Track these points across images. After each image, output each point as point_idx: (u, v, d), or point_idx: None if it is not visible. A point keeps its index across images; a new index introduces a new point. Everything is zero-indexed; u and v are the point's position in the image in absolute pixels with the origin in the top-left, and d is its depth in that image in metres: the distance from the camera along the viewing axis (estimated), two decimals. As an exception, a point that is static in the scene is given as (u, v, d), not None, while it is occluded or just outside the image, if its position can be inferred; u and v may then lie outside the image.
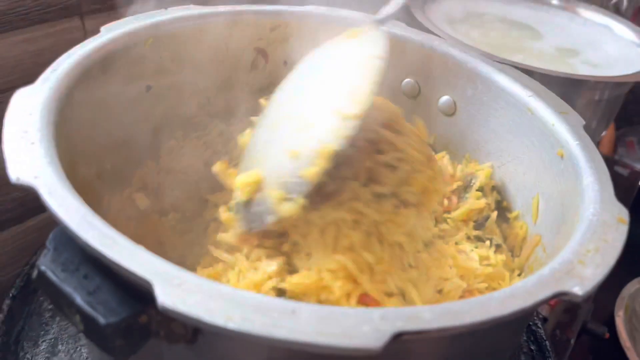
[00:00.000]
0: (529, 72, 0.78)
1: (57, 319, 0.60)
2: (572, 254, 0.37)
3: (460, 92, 0.65)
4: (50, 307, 0.61)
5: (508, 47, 1.01)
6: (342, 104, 0.44)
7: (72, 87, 0.48)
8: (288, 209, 0.44)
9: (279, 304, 0.30)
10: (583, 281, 0.35)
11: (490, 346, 0.42)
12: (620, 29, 1.08)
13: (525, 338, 0.65)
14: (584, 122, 0.53)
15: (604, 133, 0.99)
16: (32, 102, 0.42)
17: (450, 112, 0.66)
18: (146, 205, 0.64)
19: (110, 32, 0.55)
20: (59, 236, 0.37)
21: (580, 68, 0.97)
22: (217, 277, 0.46)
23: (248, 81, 0.70)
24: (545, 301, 0.34)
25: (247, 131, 0.55)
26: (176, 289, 0.30)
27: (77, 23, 0.68)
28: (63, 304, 0.35)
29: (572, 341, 0.79)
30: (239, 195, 0.47)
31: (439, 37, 0.71)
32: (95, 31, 0.53)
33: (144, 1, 0.70)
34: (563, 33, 1.09)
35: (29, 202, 0.72)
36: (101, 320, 0.32)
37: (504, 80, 0.60)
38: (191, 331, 0.35)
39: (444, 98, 0.67)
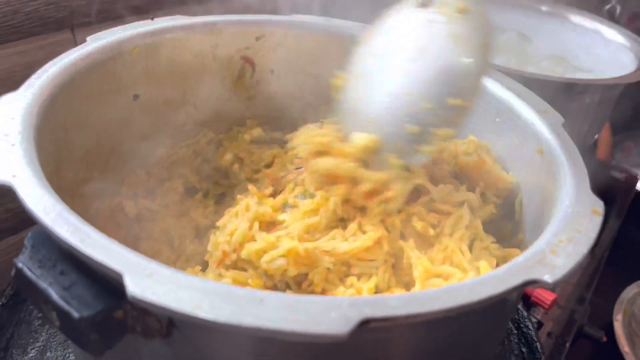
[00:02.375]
0: (520, 77, 0.79)
1: (47, 326, 0.61)
2: (545, 243, 0.38)
3: (444, 96, 0.66)
4: (39, 315, 0.61)
5: (499, 53, 1.02)
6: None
7: (56, 94, 0.49)
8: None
9: (248, 292, 0.31)
10: (554, 269, 0.35)
11: (469, 340, 0.42)
12: (611, 33, 1.09)
13: (516, 340, 0.65)
14: (563, 120, 0.54)
15: (596, 136, 0.99)
16: (14, 107, 0.44)
17: (435, 115, 0.67)
18: (135, 213, 0.64)
19: (96, 41, 0.56)
20: (37, 234, 0.37)
21: (571, 72, 0.98)
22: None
23: (236, 89, 0.71)
24: (516, 289, 0.34)
25: (342, 75, 0.55)
26: (146, 279, 0.31)
27: (68, 35, 0.69)
28: (40, 300, 0.35)
29: (568, 345, 0.78)
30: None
31: None
32: None
33: (133, 13, 0.72)
34: (554, 39, 1.11)
35: (22, 213, 0.72)
36: (75, 314, 0.33)
37: (485, 82, 0.60)
38: (165, 325, 0.35)
39: (429, 102, 0.67)
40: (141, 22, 0.62)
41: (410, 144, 0.49)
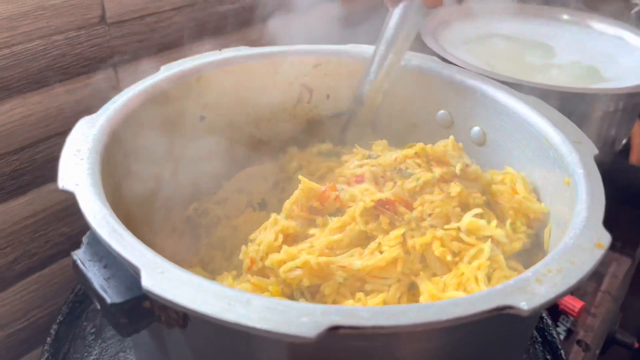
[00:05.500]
0: (541, 90, 0.81)
1: (99, 341, 0.68)
2: (533, 272, 0.39)
3: (488, 123, 0.67)
4: (92, 330, 0.69)
5: (522, 67, 1.02)
6: None
7: (128, 116, 0.57)
8: None
9: (238, 294, 0.36)
10: (533, 297, 0.37)
11: (476, 354, 0.44)
12: (634, 39, 1.07)
13: (541, 348, 0.66)
14: (596, 152, 0.53)
15: (624, 140, 0.98)
16: (89, 127, 0.53)
17: (481, 142, 0.68)
18: (204, 219, 0.71)
19: (167, 70, 0.65)
20: (92, 234, 0.45)
21: (595, 82, 0.97)
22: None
23: (295, 113, 0.77)
24: (488, 312, 0.36)
25: None
26: (158, 276, 0.37)
27: (110, 73, 0.77)
28: (87, 287, 0.43)
29: (597, 352, 0.76)
30: None
31: (467, 69, 0.73)
32: (126, 79, 0.62)
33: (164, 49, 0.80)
34: (577, 48, 1.09)
35: (74, 236, 0.81)
36: (108, 300, 0.40)
37: (525, 111, 0.61)
38: (182, 317, 0.41)
39: (475, 129, 0.69)
40: (210, 53, 0.70)
41: None
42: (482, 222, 0.54)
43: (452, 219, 0.56)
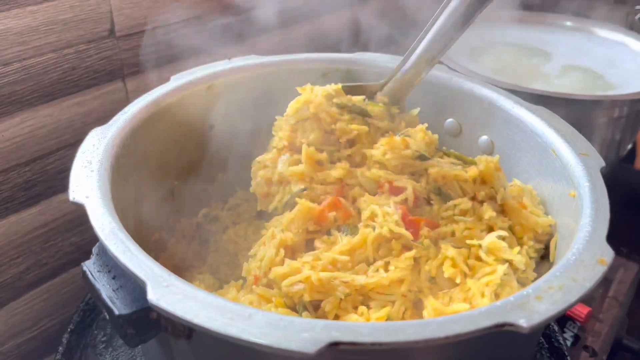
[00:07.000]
0: (545, 97, 0.82)
1: (110, 349, 0.68)
2: (533, 289, 0.39)
3: (496, 132, 0.67)
4: (103, 339, 0.69)
5: (526, 74, 1.02)
6: None
7: (138, 127, 0.58)
8: None
9: (240, 309, 0.37)
10: (532, 314, 0.37)
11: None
12: (637, 45, 1.09)
13: (548, 355, 0.66)
14: (603, 165, 0.53)
15: (629, 145, 0.99)
16: (100, 139, 0.54)
17: (489, 151, 0.68)
18: (214, 227, 0.72)
19: (177, 80, 0.66)
20: (101, 245, 0.46)
21: (599, 88, 0.98)
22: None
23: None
24: (486, 330, 0.36)
25: None
26: (163, 289, 0.38)
27: (119, 85, 0.78)
28: (96, 297, 0.44)
29: (604, 358, 0.77)
30: None
31: (475, 78, 0.72)
32: (136, 91, 0.63)
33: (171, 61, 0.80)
34: (580, 54, 1.10)
35: (84, 246, 0.81)
36: (115, 311, 0.41)
37: (533, 122, 0.61)
38: (187, 328, 0.42)
39: (483, 138, 0.69)
40: (219, 62, 0.71)
41: None
42: (504, 244, 0.53)
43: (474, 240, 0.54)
